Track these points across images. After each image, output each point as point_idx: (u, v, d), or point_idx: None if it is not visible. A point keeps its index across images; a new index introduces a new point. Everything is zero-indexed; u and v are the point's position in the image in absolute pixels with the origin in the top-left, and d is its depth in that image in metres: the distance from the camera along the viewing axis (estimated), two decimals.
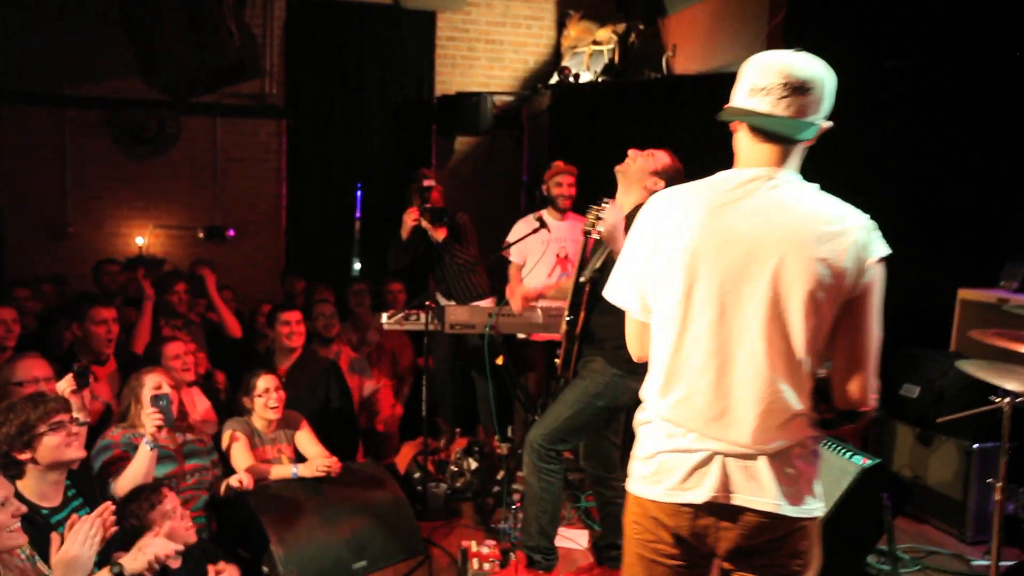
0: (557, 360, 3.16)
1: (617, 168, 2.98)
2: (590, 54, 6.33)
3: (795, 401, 1.61)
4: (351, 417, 4.39)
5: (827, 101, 1.61)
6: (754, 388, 1.60)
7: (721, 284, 1.59)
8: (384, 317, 4.19)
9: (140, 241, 6.62)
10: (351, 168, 6.84)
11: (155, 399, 2.99)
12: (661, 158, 3.06)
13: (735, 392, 1.62)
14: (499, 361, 3.89)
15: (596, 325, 3.05)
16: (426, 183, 4.55)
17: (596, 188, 3.09)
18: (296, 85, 6.76)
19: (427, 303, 4.09)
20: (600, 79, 6.16)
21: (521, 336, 4.50)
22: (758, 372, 1.60)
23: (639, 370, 3.00)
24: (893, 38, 4.75)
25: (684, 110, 5.34)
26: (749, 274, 1.57)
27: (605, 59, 6.24)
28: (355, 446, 4.37)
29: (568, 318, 3.06)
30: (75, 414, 2.90)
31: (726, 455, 1.65)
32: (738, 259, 1.57)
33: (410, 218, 4.56)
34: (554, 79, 6.28)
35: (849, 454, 3.20)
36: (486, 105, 6.67)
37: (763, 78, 1.58)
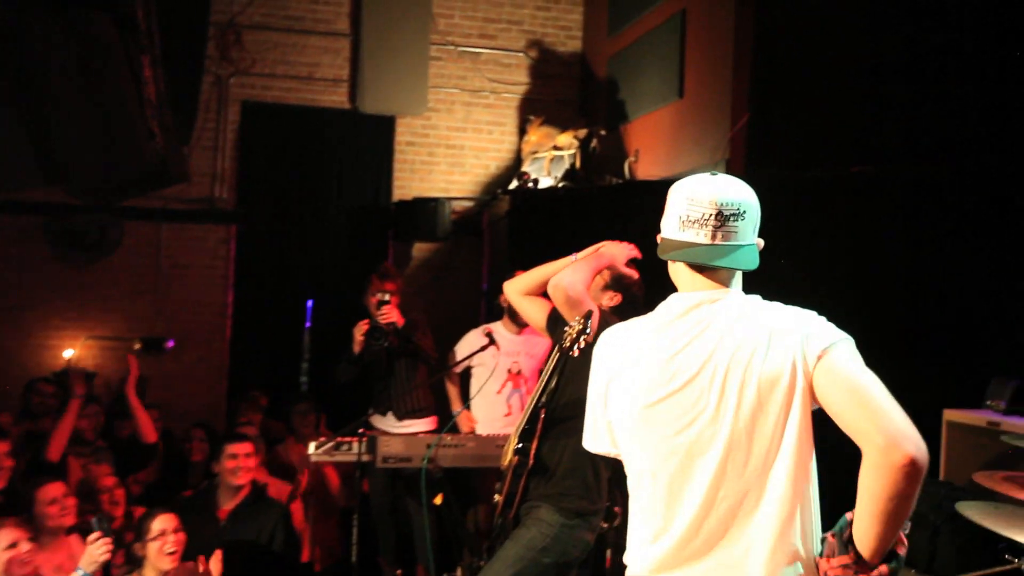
0: (497, 497, 2.80)
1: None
2: (551, 159, 6.18)
3: (798, 537, 1.50)
4: (294, 570, 3.99)
5: (758, 220, 1.63)
6: (740, 529, 1.50)
7: (680, 417, 1.54)
8: (311, 447, 3.84)
9: (68, 353, 6.21)
10: (303, 275, 6.61)
11: None
12: (613, 271, 2.84)
13: (717, 536, 1.51)
14: (438, 501, 3.51)
15: (546, 454, 2.74)
16: (375, 299, 4.24)
17: None
18: (248, 189, 6.60)
19: (360, 430, 3.77)
20: (561, 184, 6.00)
21: None
22: (735, 507, 1.51)
23: (591, 518, 2.67)
24: (859, 143, 4.59)
25: (648, 216, 5.02)
26: (705, 402, 1.53)
27: (566, 164, 6.09)
28: None
29: (518, 446, 2.72)
30: None
31: None
32: (693, 389, 1.54)
33: (359, 332, 4.27)
34: (514, 184, 6.16)
35: None
36: (445, 210, 6.55)
37: (695, 209, 1.58)
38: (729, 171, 5.30)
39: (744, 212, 1.57)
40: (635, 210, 5.19)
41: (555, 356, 2.61)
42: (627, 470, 1.64)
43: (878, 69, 4.35)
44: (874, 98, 4.50)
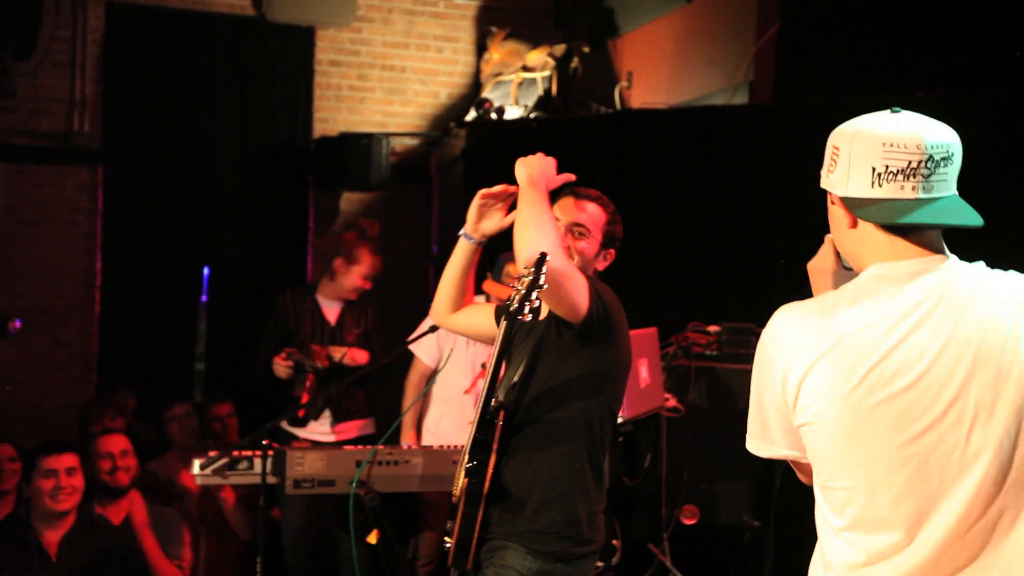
0: (448, 541, 2.30)
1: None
2: (519, 83, 5.88)
3: None
4: None
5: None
6: (995, 553, 1.44)
7: (911, 422, 1.45)
8: (196, 465, 3.27)
9: None
10: (195, 234, 6.11)
11: None
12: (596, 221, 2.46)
13: (963, 562, 1.44)
14: (372, 539, 3.21)
15: (511, 476, 2.29)
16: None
17: None
18: (119, 121, 6.00)
19: (265, 441, 3.21)
20: (532, 115, 5.72)
21: None
22: (988, 529, 1.45)
23: (580, 562, 2.31)
24: (916, 63, 4.44)
25: (645, 154, 4.93)
26: (947, 403, 1.45)
27: (539, 90, 5.83)
28: None
29: (469, 465, 2.26)
30: None
31: None
32: (926, 387, 1.46)
33: (282, 370, 4.03)
34: (471, 116, 5.75)
35: None
36: (381, 150, 6.04)
37: (898, 156, 1.47)
38: (754, 97, 5.05)
39: (953, 155, 1.51)
40: (629, 147, 5.00)
41: (504, 329, 2.20)
42: (822, 482, 1.55)
43: None
44: (936, 9, 4.33)
